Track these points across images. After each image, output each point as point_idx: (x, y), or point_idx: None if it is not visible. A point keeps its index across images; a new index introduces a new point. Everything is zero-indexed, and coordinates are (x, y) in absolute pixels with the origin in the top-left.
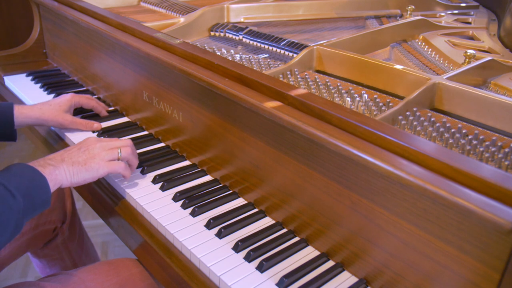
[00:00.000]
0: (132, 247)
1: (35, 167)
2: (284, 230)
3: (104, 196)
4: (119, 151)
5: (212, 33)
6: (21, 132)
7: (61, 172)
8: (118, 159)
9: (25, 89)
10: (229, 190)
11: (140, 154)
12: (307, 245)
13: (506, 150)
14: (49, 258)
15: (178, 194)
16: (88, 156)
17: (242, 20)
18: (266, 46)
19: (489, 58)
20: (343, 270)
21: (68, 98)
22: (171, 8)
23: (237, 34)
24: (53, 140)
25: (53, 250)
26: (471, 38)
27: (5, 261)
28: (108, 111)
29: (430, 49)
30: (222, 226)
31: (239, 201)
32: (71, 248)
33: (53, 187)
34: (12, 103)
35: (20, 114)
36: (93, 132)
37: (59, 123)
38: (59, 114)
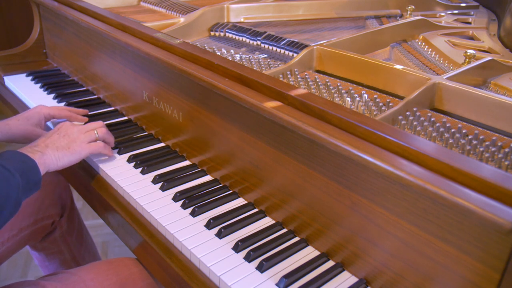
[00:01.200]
0: (132, 246)
1: (25, 153)
2: (284, 230)
3: (104, 196)
4: (95, 132)
5: (212, 33)
6: None
7: (48, 156)
8: (96, 140)
9: (25, 89)
10: (229, 190)
11: (140, 154)
12: (307, 245)
13: (506, 150)
14: (48, 251)
15: (178, 194)
16: (69, 140)
17: (242, 20)
18: (266, 46)
19: (489, 58)
20: (343, 270)
21: (37, 111)
22: (171, 8)
23: (237, 33)
24: None
25: (51, 244)
26: (471, 38)
27: (5, 255)
28: (108, 111)
29: (430, 49)
30: (222, 226)
31: (239, 201)
32: (70, 241)
33: (43, 170)
34: None
35: None
36: None
37: (29, 138)
38: (27, 128)
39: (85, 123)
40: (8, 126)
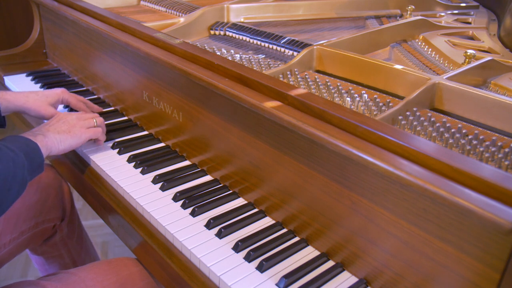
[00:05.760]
0: (132, 246)
1: (27, 137)
2: (284, 230)
3: (104, 196)
4: (94, 120)
5: (212, 32)
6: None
7: (50, 139)
8: (94, 126)
9: (25, 89)
10: (229, 190)
11: (140, 154)
12: (307, 245)
13: (506, 150)
14: (47, 255)
15: (178, 194)
16: (69, 125)
17: (242, 20)
18: (266, 45)
19: (489, 58)
20: (343, 270)
21: (57, 93)
22: (171, 7)
23: (237, 32)
24: None
25: (51, 247)
26: (471, 38)
27: (5, 258)
28: (108, 111)
29: (430, 49)
30: (222, 226)
31: (239, 201)
32: (70, 245)
33: (45, 153)
34: None
35: (4, 100)
36: None
37: (41, 114)
38: (42, 105)
39: None
40: (26, 98)
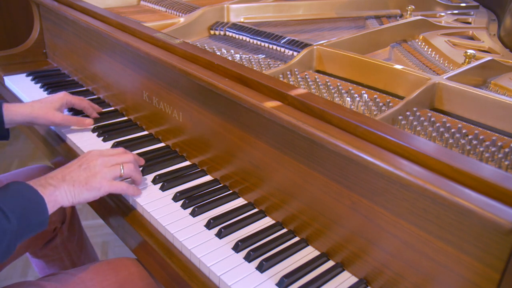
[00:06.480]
0: (131, 246)
1: (35, 187)
2: (284, 230)
3: (104, 196)
4: (121, 167)
5: (212, 32)
6: (21, 132)
7: (62, 192)
8: (121, 176)
9: (25, 89)
10: (229, 190)
11: (140, 154)
12: (307, 245)
13: (506, 150)
14: (48, 258)
15: (178, 194)
16: (89, 174)
17: (242, 20)
18: (266, 45)
19: (489, 58)
20: (343, 270)
21: (60, 96)
22: (171, 7)
23: (237, 32)
24: (53, 140)
25: (52, 251)
26: (471, 38)
27: (5, 262)
28: (108, 111)
29: (430, 49)
30: (222, 226)
31: (239, 201)
32: (70, 248)
33: (52, 208)
34: (2, 101)
35: (9, 112)
36: (92, 132)
37: (50, 120)
38: (49, 111)
39: (110, 144)
40: (32, 108)
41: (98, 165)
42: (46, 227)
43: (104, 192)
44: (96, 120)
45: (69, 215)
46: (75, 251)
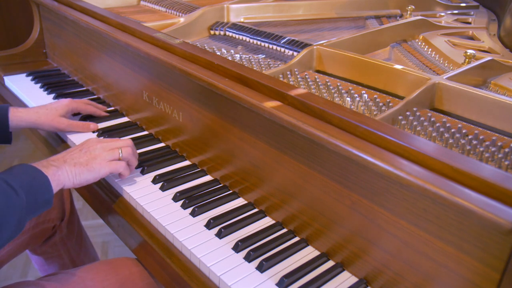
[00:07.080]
0: (132, 246)
1: (38, 168)
2: (284, 230)
3: (104, 195)
4: (120, 151)
5: (212, 32)
6: (21, 133)
7: (64, 173)
8: (119, 159)
9: (25, 89)
10: (229, 190)
11: (140, 154)
12: (307, 245)
13: (506, 150)
14: (47, 255)
15: (178, 194)
16: (89, 157)
17: (242, 20)
18: (266, 45)
19: (489, 58)
20: (343, 270)
21: (66, 103)
22: (171, 7)
23: (237, 32)
24: (54, 141)
25: (51, 248)
26: (471, 38)
27: (5, 259)
28: (108, 111)
29: (430, 49)
30: (222, 226)
31: (239, 201)
32: (69, 245)
33: (55, 187)
34: (8, 106)
35: (15, 117)
36: (93, 132)
37: (55, 127)
38: (55, 118)
39: (108, 134)
40: (38, 114)
41: (98, 149)
42: (51, 206)
43: (104, 173)
44: (96, 120)
45: (68, 212)
46: (74, 248)
